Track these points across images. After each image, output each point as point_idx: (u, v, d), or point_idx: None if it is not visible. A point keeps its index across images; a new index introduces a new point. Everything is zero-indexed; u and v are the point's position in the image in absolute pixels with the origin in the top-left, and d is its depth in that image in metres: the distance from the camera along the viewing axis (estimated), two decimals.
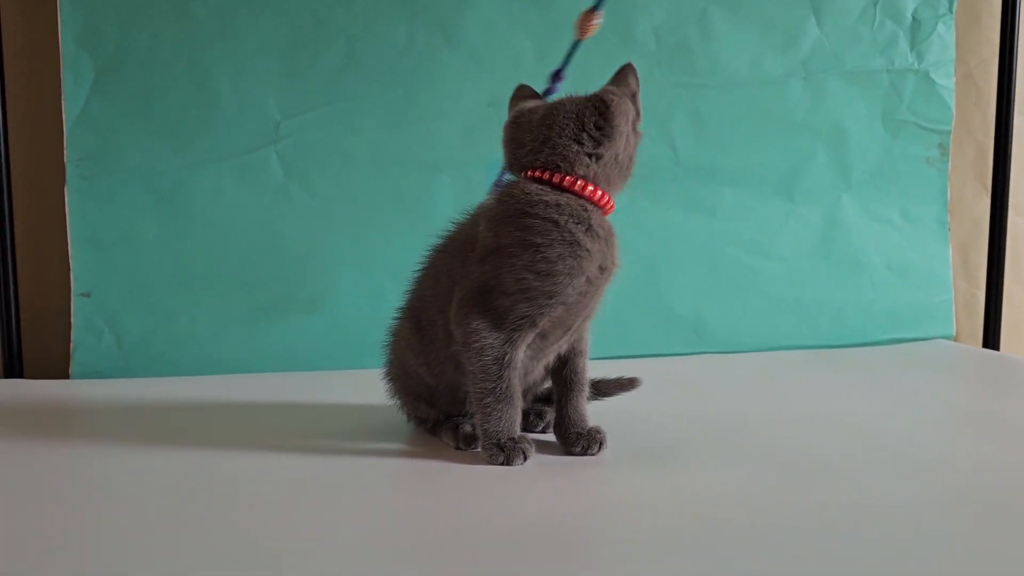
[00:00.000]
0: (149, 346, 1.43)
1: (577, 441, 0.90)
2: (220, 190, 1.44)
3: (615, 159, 0.89)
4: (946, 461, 0.89)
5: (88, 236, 1.41)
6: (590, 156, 0.88)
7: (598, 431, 0.91)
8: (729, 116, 1.54)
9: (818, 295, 1.58)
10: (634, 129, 0.92)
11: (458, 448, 0.92)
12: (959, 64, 1.60)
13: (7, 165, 1.39)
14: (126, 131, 1.41)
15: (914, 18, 1.55)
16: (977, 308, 1.66)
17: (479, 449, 0.91)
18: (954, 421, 1.09)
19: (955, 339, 1.63)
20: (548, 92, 1.10)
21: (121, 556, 0.65)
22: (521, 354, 0.87)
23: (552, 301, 0.85)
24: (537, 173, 0.88)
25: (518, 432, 0.88)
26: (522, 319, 0.85)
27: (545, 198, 0.86)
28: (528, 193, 0.86)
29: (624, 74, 0.95)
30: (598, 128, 0.88)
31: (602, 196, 0.88)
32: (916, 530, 0.70)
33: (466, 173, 1.49)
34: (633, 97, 0.93)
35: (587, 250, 0.85)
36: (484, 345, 0.85)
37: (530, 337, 0.87)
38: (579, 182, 0.87)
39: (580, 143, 0.88)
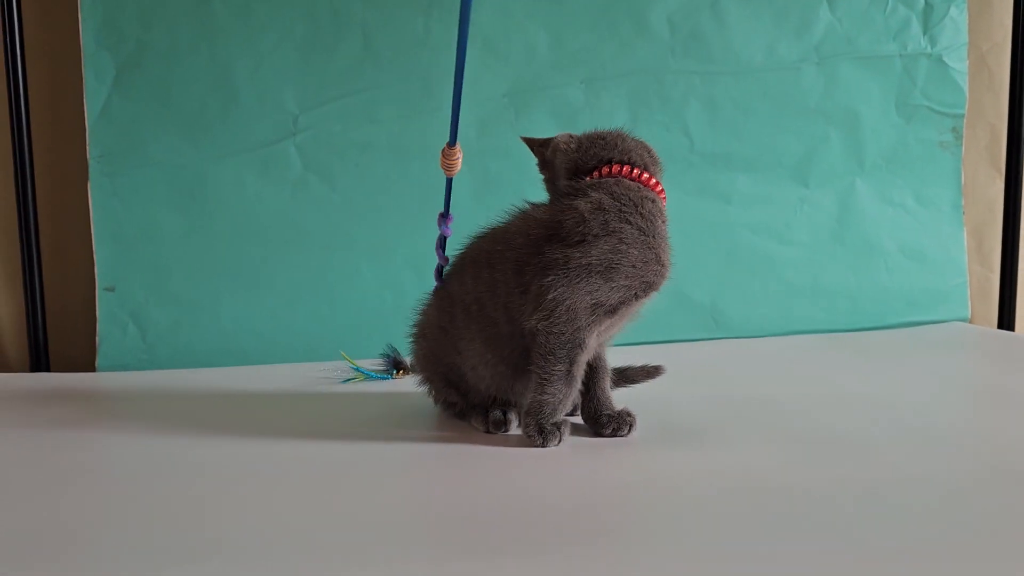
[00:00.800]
0: (174, 338, 1.45)
1: (608, 423, 0.91)
2: (241, 183, 1.46)
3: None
4: (966, 436, 0.91)
5: (112, 231, 1.43)
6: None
7: (628, 413, 0.93)
8: (743, 102, 1.55)
9: (833, 280, 1.59)
10: None
11: (488, 432, 0.94)
12: (971, 48, 1.61)
13: (31, 162, 1.40)
14: (147, 127, 1.43)
15: (926, 2, 1.56)
16: (992, 291, 1.67)
17: (507, 432, 0.93)
18: (973, 399, 1.11)
19: (970, 322, 1.64)
20: (443, 237, 1.09)
21: (150, 544, 0.66)
22: (594, 339, 0.89)
23: (646, 291, 0.89)
24: (625, 169, 0.93)
25: (560, 416, 0.89)
26: (612, 305, 0.87)
27: (648, 194, 0.92)
28: (637, 189, 0.91)
29: None
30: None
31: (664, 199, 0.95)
32: (941, 501, 0.71)
33: (483, 163, 1.50)
34: None
35: (665, 240, 0.91)
36: (569, 329, 0.86)
37: (605, 324, 0.89)
38: (659, 184, 0.94)
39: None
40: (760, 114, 1.55)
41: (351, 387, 1.23)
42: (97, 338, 1.42)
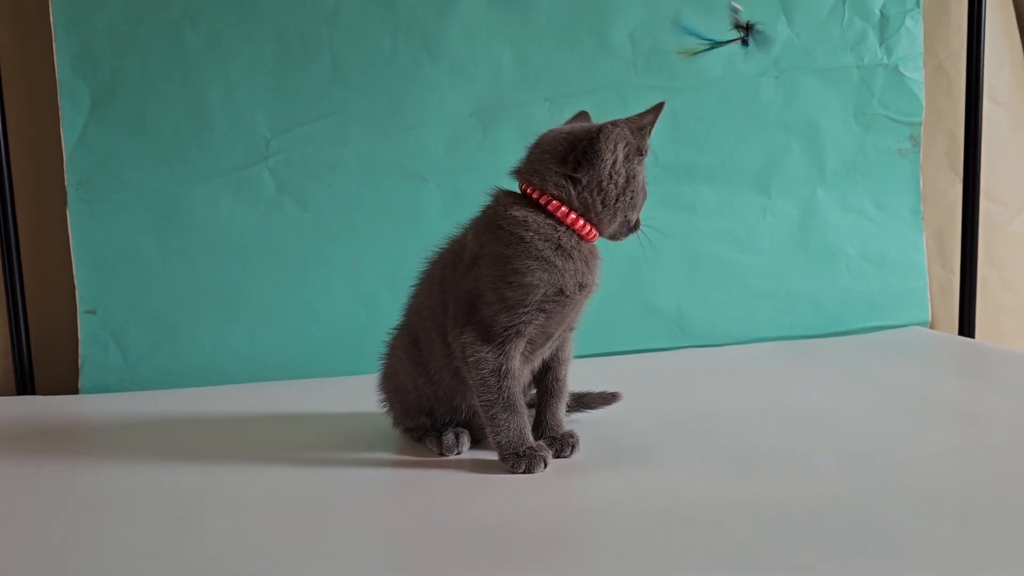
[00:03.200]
0: (154, 359, 1.49)
1: (551, 445, 0.96)
2: (216, 206, 1.50)
3: (598, 186, 0.90)
4: (913, 452, 0.94)
5: (91, 255, 1.47)
6: (567, 178, 0.90)
7: (571, 435, 0.97)
8: (705, 116, 1.58)
9: (797, 286, 1.63)
10: (628, 158, 0.92)
11: (441, 455, 0.98)
12: (930, 56, 1.64)
13: (11, 190, 1.44)
14: (123, 153, 1.47)
15: (882, 14, 1.59)
16: (953, 293, 1.70)
17: (460, 454, 0.97)
18: (924, 411, 1.12)
19: (931, 324, 1.68)
20: None
21: (135, 570, 0.71)
22: (516, 364, 0.91)
23: (526, 310, 0.89)
24: (521, 187, 0.94)
25: (532, 440, 0.92)
26: (506, 329, 0.90)
27: (513, 212, 0.91)
28: (502, 205, 0.92)
29: (649, 110, 0.95)
30: (584, 152, 0.90)
31: (576, 220, 0.91)
32: (879, 524, 0.74)
33: (452, 181, 1.54)
34: (640, 130, 0.93)
35: (555, 266, 0.90)
36: (479, 358, 0.90)
37: (521, 346, 0.92)
38: (553, 202, 0.91)
39: (563, 164, 0.91)
40: (722, 127, 1.59)
41: (324, 407, 1.26)
42: (80, 360, 1.47)
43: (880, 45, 1.60)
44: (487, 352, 0.90)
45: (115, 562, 0.73)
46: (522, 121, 1.55)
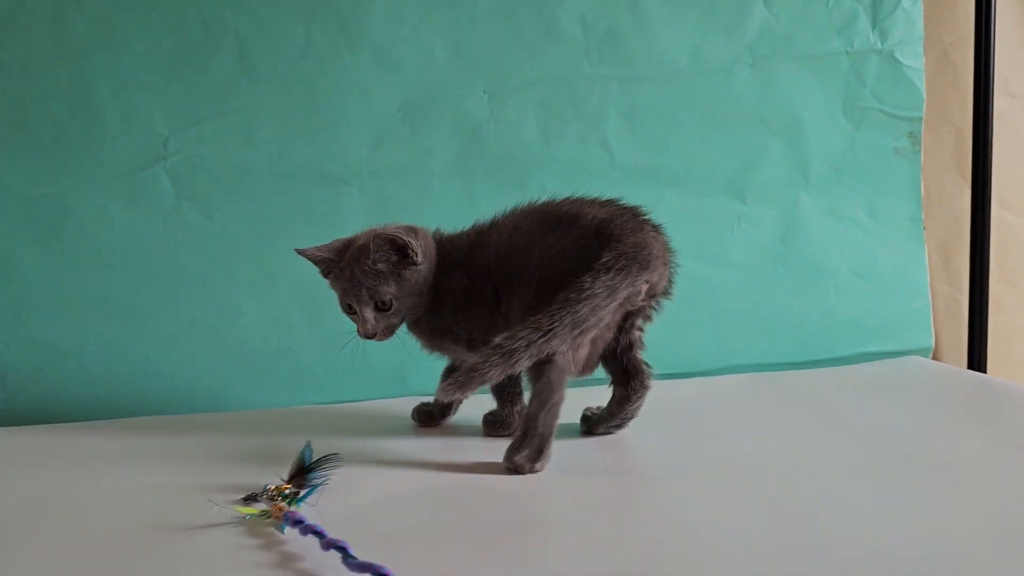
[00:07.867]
0: (35, 387, 1.33)
1: None
2: (107, 214, 1.34)
3: None
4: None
5: None
6: None
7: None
8: (668, 110, 1.43)
9: (776, 307, 1.46)
10: None
11: None
12: (934, 43, 1.48)
13: None
14: (1, 153, 1.31)
15: None
16: (961, 314, 1.52)
17: None
18: (897, 466, 0.93)
19: (936, 350, 1.50)
20: None
21: None
22: None
23: None
24: None
25: None
26: None
27: None
28: None
29: None
30: None
31: None
32: None
33: (377, 185, 1.38)
34: None
35: None
36: None
37: None
38: None
39: None
40: (688, 123, 1.44)
41: (227, 444, 1.09)
42: None
43: (873, 28, 1.45)
44: None
45: None
46: (457, 117, 1.40)
